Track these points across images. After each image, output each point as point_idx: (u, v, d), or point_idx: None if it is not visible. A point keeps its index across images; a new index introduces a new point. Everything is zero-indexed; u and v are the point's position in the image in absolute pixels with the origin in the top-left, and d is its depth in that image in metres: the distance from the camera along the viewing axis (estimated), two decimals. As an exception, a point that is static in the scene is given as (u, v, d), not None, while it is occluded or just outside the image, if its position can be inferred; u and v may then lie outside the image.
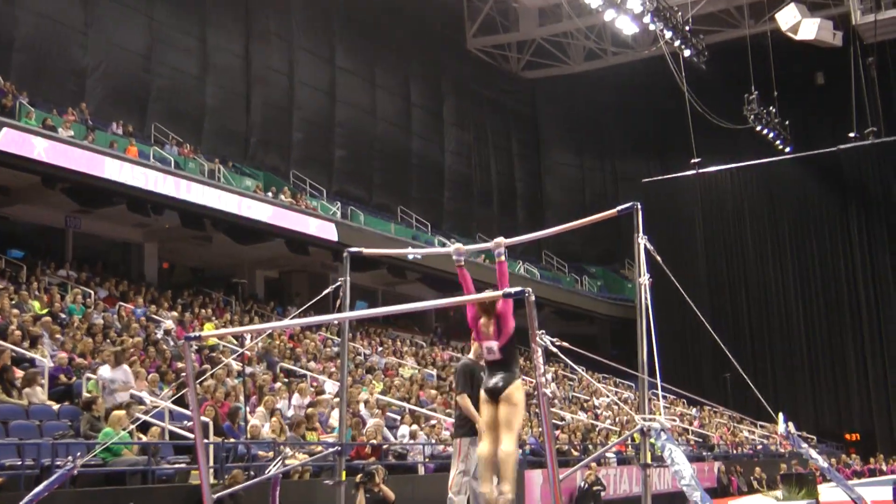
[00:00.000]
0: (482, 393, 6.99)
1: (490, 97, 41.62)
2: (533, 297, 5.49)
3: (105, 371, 12.45)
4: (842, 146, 38.54)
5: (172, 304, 20.15)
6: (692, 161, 39.23)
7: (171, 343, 16.23)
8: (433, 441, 15.34)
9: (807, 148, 39.63)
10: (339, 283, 8.28)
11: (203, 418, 11.72)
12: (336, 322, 18.88)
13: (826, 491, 15.68)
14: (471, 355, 8.39)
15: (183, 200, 21.02)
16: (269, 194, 25.08)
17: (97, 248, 24.01)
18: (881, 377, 39.10)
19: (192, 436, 10.70)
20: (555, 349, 6.04)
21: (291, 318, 13.32)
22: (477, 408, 7.96)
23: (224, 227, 23.28)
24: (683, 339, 38.85)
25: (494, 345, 6.96)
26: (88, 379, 12.65)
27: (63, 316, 15.84)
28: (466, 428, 8.01)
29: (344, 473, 8.11)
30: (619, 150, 45.14)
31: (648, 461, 6.81)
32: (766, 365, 39.80)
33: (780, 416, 8.73)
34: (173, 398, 12.02)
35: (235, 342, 17.55)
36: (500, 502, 6.79)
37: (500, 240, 7.48)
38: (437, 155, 38.06)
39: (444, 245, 31.08)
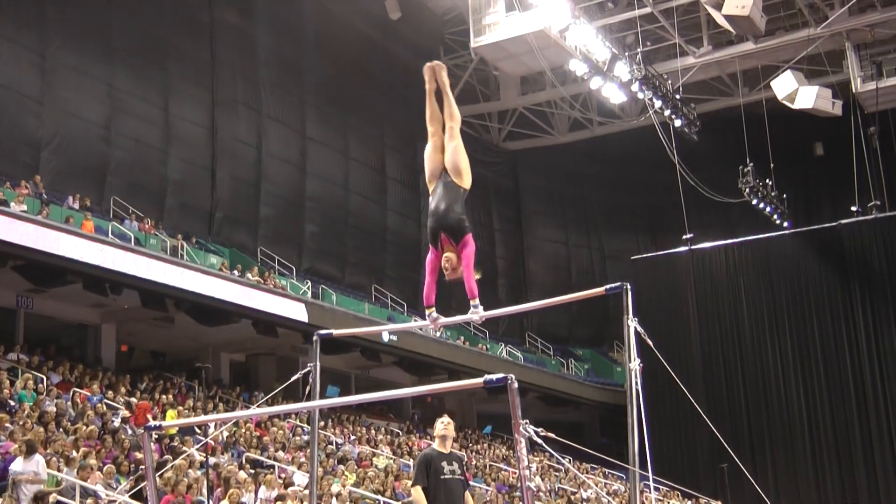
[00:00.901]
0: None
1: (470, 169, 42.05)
2: (516, 385, 5.62)
3: (17, 464, 12.30)
4: (843, 221, 39.17)
5: (131, 390, 20.07)
6: (684, 237, 39.77)
7: (130, 432, 16.15)
8: (410, 538, 15.25)
9: (806, 222, 40.23)
10: (308, 369, 8.36)
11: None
12: (306, 410, 18.86)
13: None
14: (435, 445, 8.47)
15: (143, 279, 21.06)
16: (236, 273, 25.17)
17: (50, 329, 23.93)
18: (889, 464, 38.93)
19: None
20: (539, 440, 6.14)
21: (258, 406, 13.35)
22: None
23: (187, 308, 23.27)
24: (677, 426, 38.76)
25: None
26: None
27: (12, 403, 15.76)
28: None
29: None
30: (607, 225, 45.60)
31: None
32: (766, 452, 39.66)
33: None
34: (131, 492, 11.96)
35: (199, 430, 17.46)
36: None
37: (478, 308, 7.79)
38: (414, 231, 38.29)
39: (421, 329, 31.13)
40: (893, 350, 39.54)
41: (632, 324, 7.30)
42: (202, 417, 15.04)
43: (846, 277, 41.14)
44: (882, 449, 39.03)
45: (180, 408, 19.65)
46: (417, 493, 8.10)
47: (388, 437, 26.59)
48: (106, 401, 18.33)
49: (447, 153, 7.69)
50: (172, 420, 16.57)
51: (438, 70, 7.77)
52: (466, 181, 7.73)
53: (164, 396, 20.37)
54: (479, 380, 5.73)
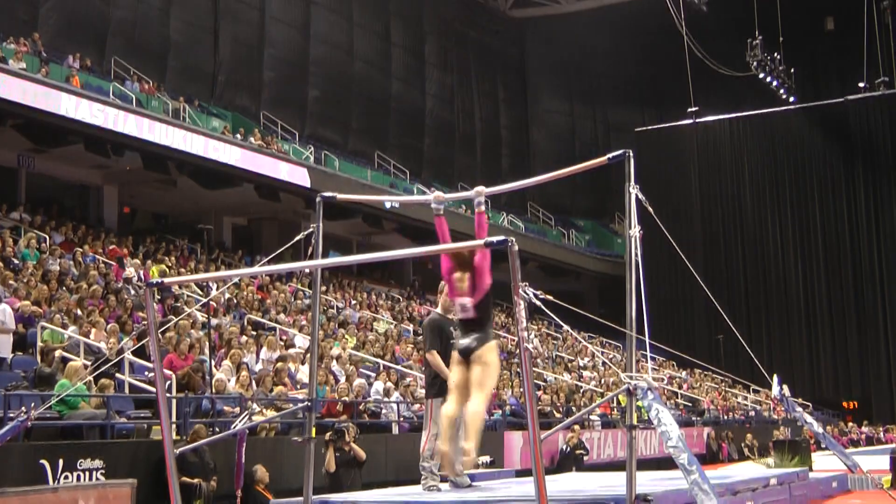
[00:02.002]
0: (454, 353, 6.93)
1: (475, 38, 41.36)
2: (516, 248, 5.53)
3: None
4: (850, 97, 38.68)
5: (134, 251, 20.11)
6: (689, 110, 39.34)
7: (133, 292, 16.23)
8: (408, 400, 15.48)
9: (812, 98, 39.69)
10: (310, 231, 8.27)
11: (166, 371, 11.79)
12: (307, 271, 18.91)
13: (820, 459, 15.94)
14: (439, 309, 8.45)
15: (145, 141, 20.87)
16: (238, 136, 24.96)
17: (52, 190, 23.85)
18: (882, 343, 39.38)
19: (153, 389, 10.78)
20: (538, 303, 6.09)
21: (260, 266, 13.34)
22: (448, 364, 8.06)
23: (189, 171, 23.16)
24: (675, 297, 39.10)
25: (468, 301, 6.91)
26: (44, 328, 12.67)
27: (16, 261, 15.79)
28: (438, 387, 8.09)
29: (314, 431, 8.20)
30: (612, 97, 45.03)
31: (634, 423, 6.89)
32: (762, 328, 40.13)
33: (775, 378, 8.86)
34: (133, 348, 12.06)
35: (200, 292, 17.56)
36: (464, 462, 6.88)
37: (481, 188, 7.44)
38: (418, 99, 37.88)
39: (423, 194, 31.05)
40: (893, 229, 39.55)
41: (633, 191, 7.16)
42: (203, 275, 15.07)
43: (850, 154, 40.88)
44: (875, 324, 39.47)
45: (182, 269, 19.72)
46: (434, 357, 8.10)
47: (389, 302, 26.80)
48: (107, 261, 18.37)
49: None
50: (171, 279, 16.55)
51: None
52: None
53: (166, 258, 20.41)
54: (480, 241, 5.65)
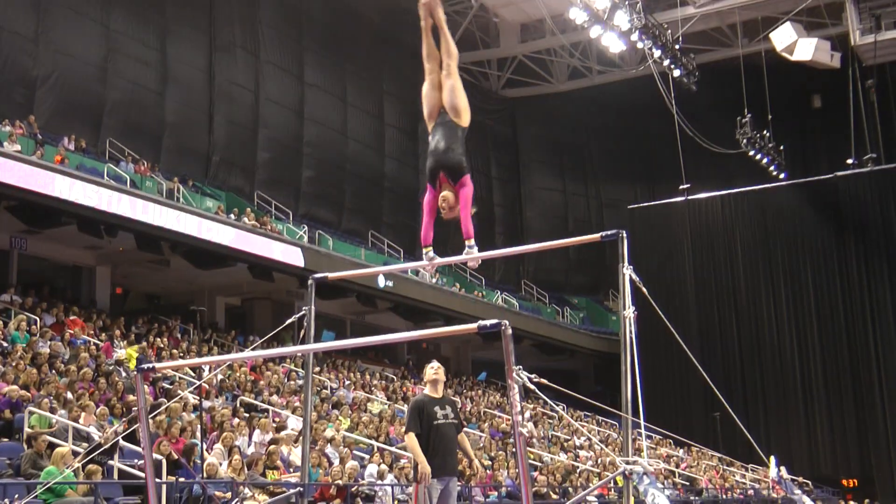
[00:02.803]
0: None
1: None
2: (510, 331, 5.48)
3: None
4: (839, 173, 39.00)
5: (126, 333, 19.99)
6: (681, 187, 39.58)
7: (124, 374, 16.08)
8: (402, 482, 15.25)
9: (802, 174, 40.03)
10: (303, 312, 8.25)
11: (156, 455, 11.62)
12: (300, 354, 18.80)
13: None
14: (426, 390, 8.39)
15: (139, 221, 20.88)
16: (232, 216, 25.00)
17: (45, 271, 23.81)
18: (881, 418, 39.08)
19: (143, 474, 10.60)
20: (533, 386, 6.03)
21: (252, 350, 13.26)
22: (425, 449, 7.98)
23: (183, 251, 23.14)
24: (671, 375, 38.86)
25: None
26: (31, 413, 12.51)
27: (5, 344, 15.67)
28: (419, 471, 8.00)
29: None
30: (605, 174, 45.39)
31: (631, 506, 6.79)
32: (759, 404, 39.86)
33: (772, 459, 8.75)
34: (124, 433, 11.90)
35: (193, 373, 17.41)
36: None
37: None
38: (412, 178, 38.08)
39: (417, 273, 31.06)
40: (887, 302, 39.56)
41: (627, 271, 7.19)
42: (196, 360, 14.95)
43: (841, 229, 41.06)
44: (872, 399, 39.21)
45: (174, 350, 19.59)
46: (411, 439, 8.05)
47: (383, 382, 26.59)
48: (98, 342, 18.24)
49: (445, 91, 7.49)
50: (165, 363, 16.45)
51: (434, 6, 7.51)
52: (465, 119, 7.53)
53: (158, 339, 20.30)
54: (474, 325, 5.59)
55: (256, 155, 31.27)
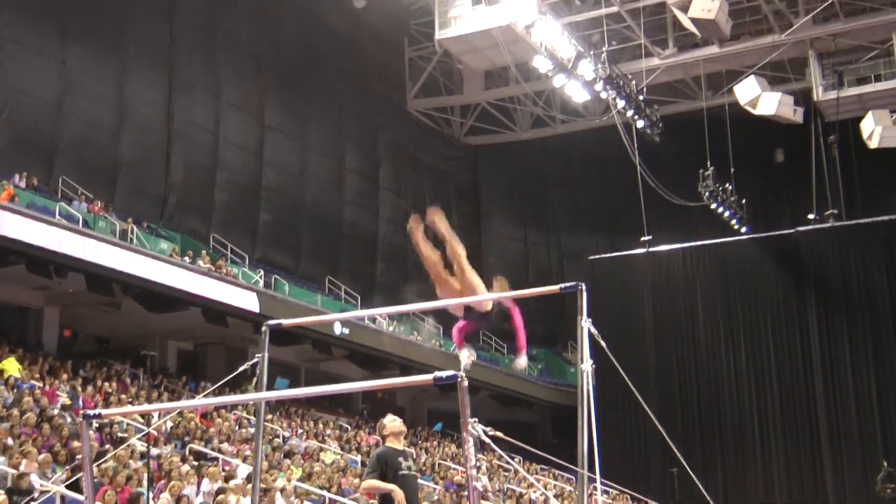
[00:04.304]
0: None
1: (430, 163, 41.92)
2: (466, 383, 5.52)
3: None
4: (800, 228, 39.57)
5: (73, 376, 19.74)
6: (642, 239, 39.94)
7: (69, 420, 15.86)
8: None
9: (764, 228, 40.54)
10: (256, 360, 8.22)
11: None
12: (252, 402, 18.65)
13: None
14: (388, 443, 8.36)
15: (90, 262, 20.70)
16: (187, 259, 24.87)
17: (-10, 312, 23.50)
18: (838, 477, 39.43)
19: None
20: (487, 439, 6.06)
21: (203, 396, 13.15)
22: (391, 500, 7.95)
23: (134, 293, 22.95)
24: (628, 429, 38.94)
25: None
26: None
27: (-53, 387, 15.43)
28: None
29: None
30: (566, 224, 45.65)
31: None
32: (717, 457, 40.01)
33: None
34: (67, 482, 11.72)
35: (141, 420, 17.21)
36: None
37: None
38: (371, 223, 38.09)
39: (374, 320, 30.98)
40: (845, 357, 40.04)
41: (585, 324, 7.24)
42: (145, 406, 14.79)
43: (801, 284, 41.57)
44: (832, 456, 39.53)
45: (123, 396, 19.36)
46: (369, 482, 8.02)
47: (337, 431, 26.43)
48: (43, 387, 17.99)
49: (466, 290, 7.95)
50: (112, 409, 16.25)
51: (436, 223, 8.05)
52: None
53: (107, 384, 20.05)
54: (429, 377, 5.61)
55: (214, 197, 31.11)
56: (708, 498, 8.35)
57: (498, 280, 8.24)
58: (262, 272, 28.93)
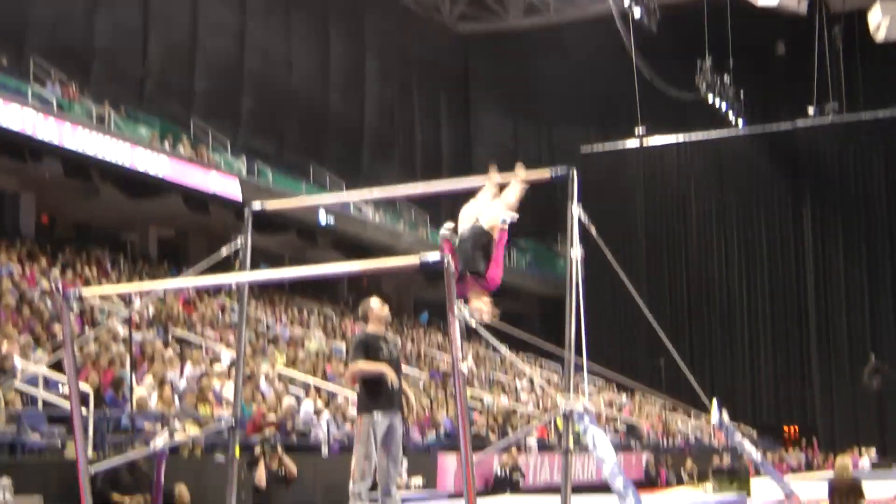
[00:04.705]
0: None
1: (418, 52, 41.41)
2: (452, 268, 5.58)
3: None
4: (799, 123, 39.41)
5: (52, 262, 19.80)
6: (636, 131, 39.79)
7: (49, 305, 15.98)
8: (339, 420, 15.41)
9: (761, 123, 40.36)
10: (238, 244, 8.25)
11: (83, 386, 11.63)
12: (235, 286, 18.77)
13: (760, 485, 16.18)
14: (368, 328, 8.45)
15: (66, 148, 20.55)
16: (166, 145, 24.71)
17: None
18: (825, 371, 40.26)
19: (68, 405, 10.61)
20: (473, 322, 6.15)
21: (184, 278, 13.20)
22: (372, 383, 8.07)
23: (113, 180, 22.86)
24: (617, 321, 39.45)
25: None
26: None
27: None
28: (366, 403, 8.10)
29: (238, 450, 8.15)
30: (558, 116, 45.25)
31: (570, 447, 6.96)
32: (704, 352, 40.71)
33: (714, 403, 8.98)
34: (49, 363, 11.88)
35: (123, 305, 17.34)
36: None
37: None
38: (357, 112, 37.80)
39: (359, 209, 31.01)
40: (838, 257, 40.48)
41: (576, 211, 7.28)
42: (125, 286, 14.88)
43: (797, 181, 41.74)
44: (819, 349, 40.35)
45: (103, 281, 19.47)
46: (355, 364, 8.14)
47: (321, 319, 26.70)
48: (23, 272, 18.07)
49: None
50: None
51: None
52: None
53: (87, 269, 20.13)
54: (415, 259, 5.67)
55: (193, 81, 30.77)
56: (696, 387, 8.50)
57: (491, 168, 8.18)
58: (244, 159, 28.79)
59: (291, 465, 11.73)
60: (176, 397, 13.28)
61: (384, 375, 7.99)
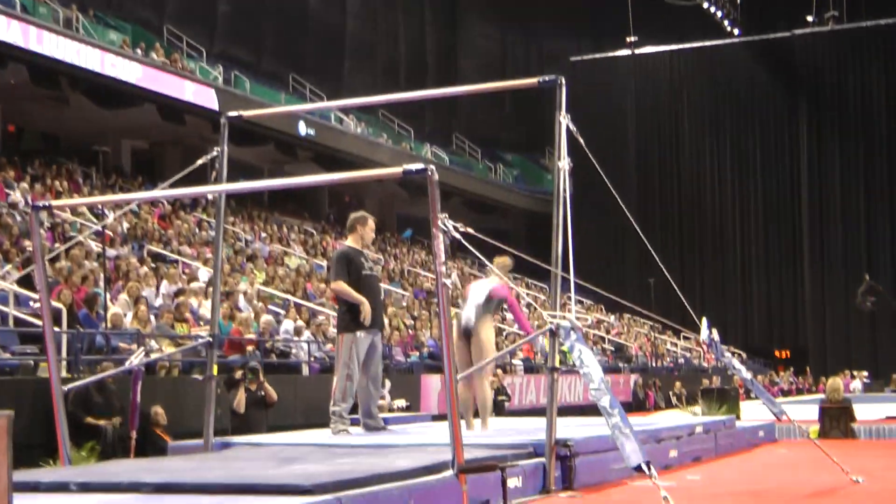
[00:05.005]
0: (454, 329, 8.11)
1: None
2: (436, 177, 5.56)
3: None
4: (797, 31, 39.16)
5: (21, 175, 19.66)
6: (628, 40, 39.48)
7: (18, 217, 15.89)
8: (320, 339, 15.50)
9: (758, 31, 40.08)
10: (215, 153, 8.19)
11: (55, 304, 11.63)
12: (212, 198, 18.71)
13: (749, 408, 16.41)
14: (349, 242, 8.46)
15: (33, 52, 20.24)
16: (138, 52, 24.37)
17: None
18: (818, 293, 40.49)
19: (40, 323, 10.61)
20: (458, 236, 6.14)
21: (159, 190, 13.15)
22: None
23: (84, 88, 22.57)
24: (606, 238, 39.63)
25: (484, 291, 8.64)
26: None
27: None
28: (347, 322, 8.14)
29: (216, 368, 8.19)
30: (547, 24, 44.78)
31: (556, 365, 7.01)
32: (695, 272, 40.94)
33: (704, 322, 9.03)
34: (18, 278, 11.83)
35: (96, 220, 17.27)
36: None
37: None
38: (338, 18, 37.31)
39: (340, 121, 30.81)
40: (834, 171, 40.46)
41: (564, 121, 7.22)
42: (97, 198, 14.79)
43: (794, 92, 41.56)
44: (812, 268, 40.54)
45: (75, 195, 19.35)
46: (339, 285, 8.16)
47: (302, 235, 26.69)
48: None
49: None
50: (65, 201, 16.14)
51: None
52: None
53: (57, 182, 20.00)
54: (398, 169, 5.65)
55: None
56: (686, 304, 8.55)
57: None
58: (221, 68, 28.47)
59: (272, 392, 11.79)
60: (152, 315, 13.29)
61: (363, 304, 8.03)
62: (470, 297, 8.70)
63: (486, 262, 8.21)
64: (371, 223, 8.48)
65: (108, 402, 10.34)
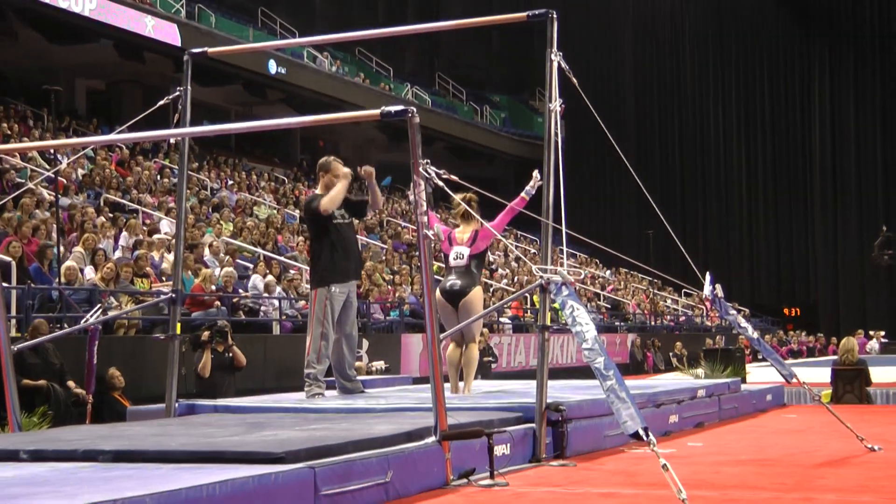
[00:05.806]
0: (437, 294, 7.96)
1: None
2: (417, 119, 5.52)
3: None
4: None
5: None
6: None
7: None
8: (292, 296, 15.49)
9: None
10: (177, 93, 8.12)
11: (4, 257, 11.59)
12: (174, 143, 18.62)
13: (756, 370, 16.48)
14: (318, 190, 8.44)
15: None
16: (94, -20, 24.15)
17: None
18: (831, 244, 40.44)
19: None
20: (441, 183, 6.11)
21: (116, 134, 13.06)
22: (330, 249, 8.12)
23: (33, 21, 22.45)
24: (601, 186, 39.60)
25: (465, 251, 8.31)
26: None
27: None
28: (321, 274, 8.12)
29: (179, 327, 8.18)
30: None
31: (548, 323, 7.01)
32: (698, 226, 40.94)
33: (707, 276, 9.04)
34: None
35: (48, 166, 17.17)
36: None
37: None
38: (310, -56, 37.04)
39: (314, 59, 30.62)
40: (849, 114, 40.25)
41: (555, 58, 7.15)
42: (49, 142, 14.66)
43: (805, 26, 41.28)
44: (824, 220, 40.49)
45: (25, 139, 19.22)
46: (328, 201, 8.15)
47: (272, 184, 26.61)
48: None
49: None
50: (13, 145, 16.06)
51: None
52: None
53: (5, 125, 19.85)
54: (376, 111, 5.60)
55: None
56: (688, 259, 8.54)
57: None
58: (183, 0, 28.23)
59: (240, 356, 11.74)
60: (120, 271, 13.25)
61: (347, 178, 8.09)
62: (453, 255, 8.42)
63: (469, 209, 8.21)
64: (336, 167, 8.41)
65: (46, 361, 10.30)
